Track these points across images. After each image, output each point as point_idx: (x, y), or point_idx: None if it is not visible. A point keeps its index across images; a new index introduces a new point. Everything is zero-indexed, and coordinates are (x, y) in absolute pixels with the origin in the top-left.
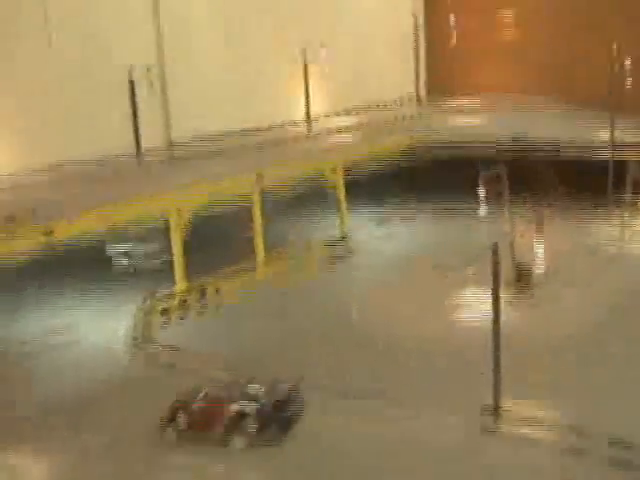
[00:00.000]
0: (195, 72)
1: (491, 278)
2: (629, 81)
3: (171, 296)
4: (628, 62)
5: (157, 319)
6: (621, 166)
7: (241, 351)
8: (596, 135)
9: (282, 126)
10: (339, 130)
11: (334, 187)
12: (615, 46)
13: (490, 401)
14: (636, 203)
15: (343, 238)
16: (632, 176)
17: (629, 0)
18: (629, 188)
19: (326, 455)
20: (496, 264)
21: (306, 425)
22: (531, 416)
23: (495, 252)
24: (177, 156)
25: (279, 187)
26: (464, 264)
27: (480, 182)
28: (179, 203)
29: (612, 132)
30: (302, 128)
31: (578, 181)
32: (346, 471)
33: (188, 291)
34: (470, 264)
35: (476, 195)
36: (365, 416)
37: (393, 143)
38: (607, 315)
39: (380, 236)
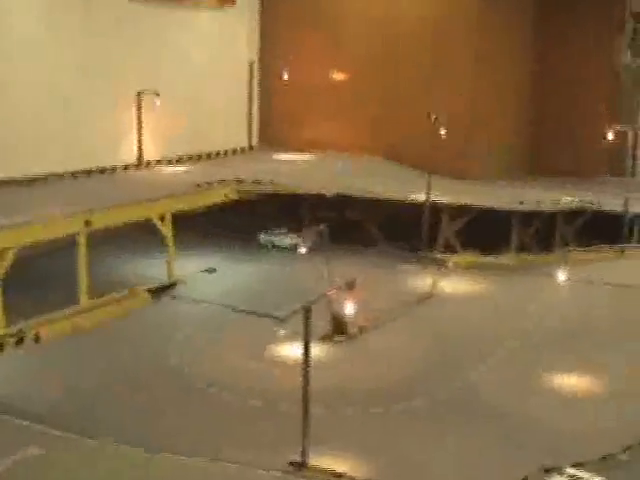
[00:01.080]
0: (23, 113)
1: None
2: (444, 146)
3: None
4: (443, 132)
5: None
6: (435, 223)
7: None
8: (415, 193)
9: (114, 170)
10: (170, 176)
11: (163, 231)
12: (433, 114)
13: (297, 455)
14: (446, 259)
15: (171, 283)
16: (443, 232)
17: (449, 71)
18: (440, 243)
19: None
20: (307, 319)
21: None
22: (337, 471)
23: (307, 308)
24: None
25: (108, 230)
26: (283, 315)
27: (302, 235)
28: (1, 244)
29: (428, 191)
30: (133, 172)
31: (395, 235)
32: None
33: (6, 333)
34: (288, 315)
35: (299, 245)
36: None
37: (223, 190)
38: (415, 368)
39: (207, 280)
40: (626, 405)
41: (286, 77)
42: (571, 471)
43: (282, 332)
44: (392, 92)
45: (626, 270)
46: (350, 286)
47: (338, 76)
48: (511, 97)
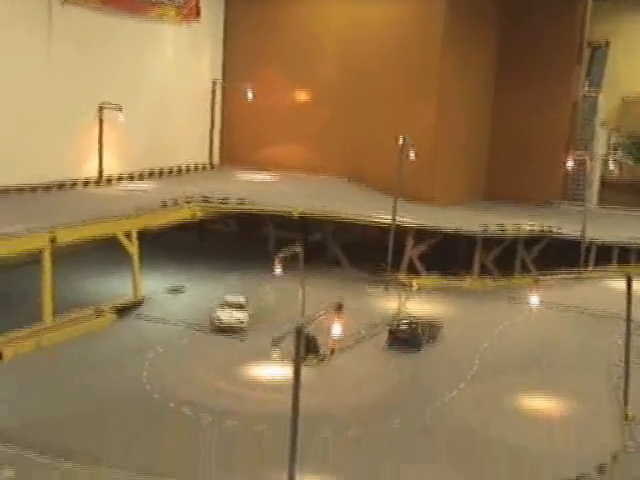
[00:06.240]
0: None
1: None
2: (408, 169)
3: None
4: (412, 155)
5: None
6: (400, 245)
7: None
8: (379, 216)
9: (74, 185)
10: (133, 192)
11: (129, 249)
12: (402, 138)
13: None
14: (410, 281)
15: (137, 301)
16: (408, 255)
17: (415, 95)
18: (404, 266)
19: None
20: (299, 340)
21: None
22: None
23: (299, 329)
24: None
25: (73, 246)
26: (276, 336)
27: (276, 260)
28: None
29: (394, 213)
30: (94, 188)
31: (359, 257)
32: None
33: None
34: (281, 336)
35: (271, 265)
36: None
37: (188, 209)
38: (389, 390)
39: (174, 300)
40: (595, 427)
41: (250, 96)
42: None
43: (276, 354)
44: (358, 113)
45: (585, 295)
46: (338, 308)
47: (303, 96)
48: (472, 123)
